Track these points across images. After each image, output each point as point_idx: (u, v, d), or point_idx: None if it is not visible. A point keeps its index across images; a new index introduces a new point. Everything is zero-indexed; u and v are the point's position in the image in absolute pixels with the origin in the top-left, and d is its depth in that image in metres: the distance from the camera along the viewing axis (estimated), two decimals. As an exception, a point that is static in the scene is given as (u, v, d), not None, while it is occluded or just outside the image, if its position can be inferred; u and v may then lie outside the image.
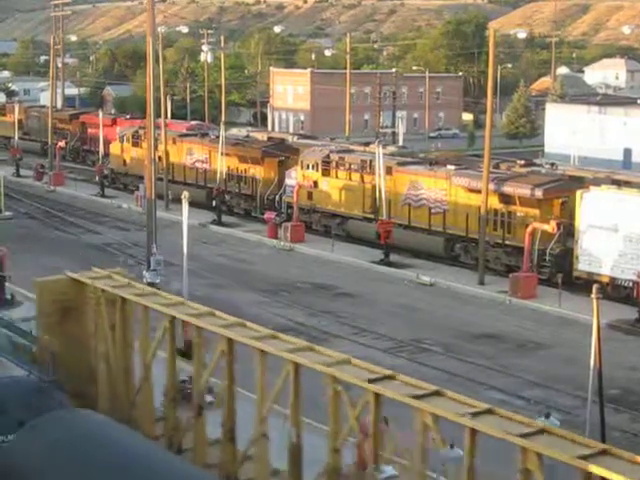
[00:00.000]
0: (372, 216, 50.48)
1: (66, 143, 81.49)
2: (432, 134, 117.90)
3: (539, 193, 43.20)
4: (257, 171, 58.59)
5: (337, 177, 53.53)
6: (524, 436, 15.58)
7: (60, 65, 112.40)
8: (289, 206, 54.61)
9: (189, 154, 64.31)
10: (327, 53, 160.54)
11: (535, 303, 40.33)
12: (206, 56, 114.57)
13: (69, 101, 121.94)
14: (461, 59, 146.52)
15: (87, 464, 15.54)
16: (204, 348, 26.56)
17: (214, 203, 57.56)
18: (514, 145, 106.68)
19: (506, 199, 44.77)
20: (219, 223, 57.13)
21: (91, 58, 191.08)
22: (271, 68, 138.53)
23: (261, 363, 20.65)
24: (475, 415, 16.67)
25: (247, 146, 61.51)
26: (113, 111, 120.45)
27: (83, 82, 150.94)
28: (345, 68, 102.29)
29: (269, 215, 53.92)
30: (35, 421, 16.90)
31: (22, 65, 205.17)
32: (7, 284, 37.24)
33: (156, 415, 24.13)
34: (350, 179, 52.80)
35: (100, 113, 77.38)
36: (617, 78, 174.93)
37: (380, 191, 48.70)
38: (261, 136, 71.52)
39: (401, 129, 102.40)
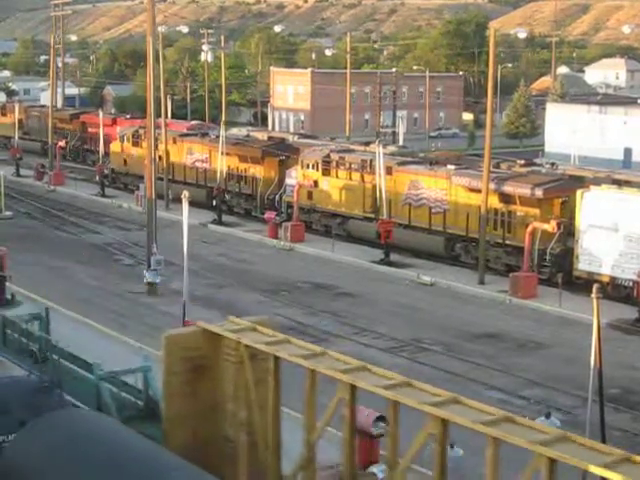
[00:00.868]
0: (372, 216, 50.48)
1: (66, 143, 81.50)
2: (432, 134, 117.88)
3: (539, 193, 43.20)
4: (257, 171, 58.59)
5: (337, 177, 53.54)
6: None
7: (60, 65, 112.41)
8: (289, 206, 54.61)
9: (189, 154, 64.31)
10: (327, 53, 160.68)
11: (535, 303, 40.33)
12: (206, 56, 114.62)
13: (69, 101, 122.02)
14: (461, 59, 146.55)
15: (88, 464, 15.54)
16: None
17: (214, 203, 57.56)
18: (514, 145, 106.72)
19: (506, 199, 44.77)
20: (219, 223, 57.13)
21: (91, 58, 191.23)
22: (271, 68, 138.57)
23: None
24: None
25: (247, 146, 61.52)
26: (113, 111, 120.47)
27: (83, 82, 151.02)
28: (345, 68, 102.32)
29: (269, 215, 53.92)
30: (35, 421, 16.91)
31: (22, 65, 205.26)
32: (7, 284, 37.20)
33: None
34: (350, 179, 52.81)
35: (100, 113, 77.41)
36: (617, 78, 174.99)
37: (380, 191, 48.69)
38: (261, 136, 71.53)
39: (401, 129, 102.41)
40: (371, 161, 51.08)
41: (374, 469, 21.61)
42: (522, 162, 53.68)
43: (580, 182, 45.45)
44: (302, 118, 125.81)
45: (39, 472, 15.92)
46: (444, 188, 47.61)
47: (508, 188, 44.57)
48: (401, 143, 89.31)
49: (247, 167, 59.32)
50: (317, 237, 53.14)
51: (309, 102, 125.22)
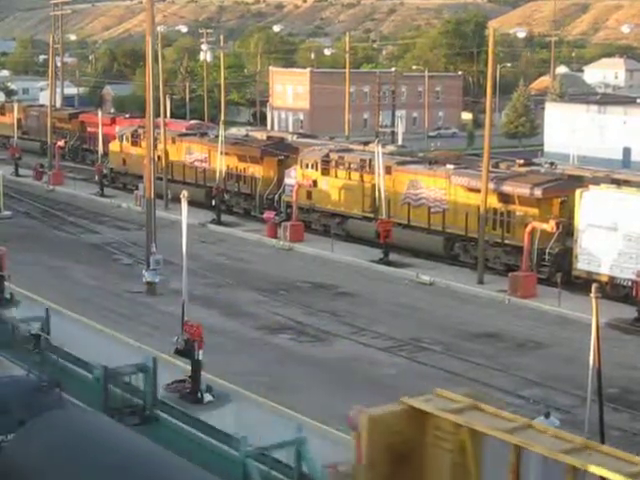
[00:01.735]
0: (371, 215, 50.48)
1: (65, 142, 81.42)
2: (431, 133, 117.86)
3: (538, 192, 43.20)
4: (256, 170, 58.59)
5: (336, 176, 53.52)
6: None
7: (59, 64, 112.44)
8: (288, 205, 54.60)
9: (188, 153, 64.31)
10: (326, 52, 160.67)
11: (534, 302, 40.33)
12: (205, 55, 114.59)
13: (68, 100, 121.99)
14: (460, 58, 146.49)
15: (87, 463, 15.53)
16: (200, 347, 26.68)
17: (213, 202, 57.53)
18: (513, 144, 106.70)
19: (505, 198, 44.77)
20: (218, 222, 57.11)
21: (90, 57, 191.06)
22: (270, 67, 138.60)
23: None
24: None
25: (246, 145, 61.51)
26: (112, 110, 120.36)
27: (82, 81, 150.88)
28: (344, 67, 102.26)
29: (268, 214, 53.90)
30: (34, 420, 16.90)
31: (21, 64, 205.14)
32: (6, 283, 37.15)
33: None
34: (349, 178, 52.80)
35: (99, 112, 77.35)
36: (616, 77, 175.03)
37: (379, 190, 48.69)
38: (260, 135, 71.51)
39: (400, 128, 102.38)
40: (370, 161, 51.08)
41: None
42: (521, 162, 53.68)
43: (579, 182, 45.47)
44: (301, 118, 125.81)
45: (38, 471, 15.91)
46: (443, 188, 47.61)
47: (507, 188, 44.57)
48: (400, 143, 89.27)
49: (246, 167, 59.32)
50: (316, 237, 53.13)
51: (308, 102, 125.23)
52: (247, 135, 72.14)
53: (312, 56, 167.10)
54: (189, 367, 27.11)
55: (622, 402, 28.64)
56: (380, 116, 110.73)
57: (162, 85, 64.58)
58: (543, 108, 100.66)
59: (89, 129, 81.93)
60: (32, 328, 28.02)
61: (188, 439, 20.27)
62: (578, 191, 41.76)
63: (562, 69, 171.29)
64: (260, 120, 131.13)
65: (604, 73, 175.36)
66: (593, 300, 20.80)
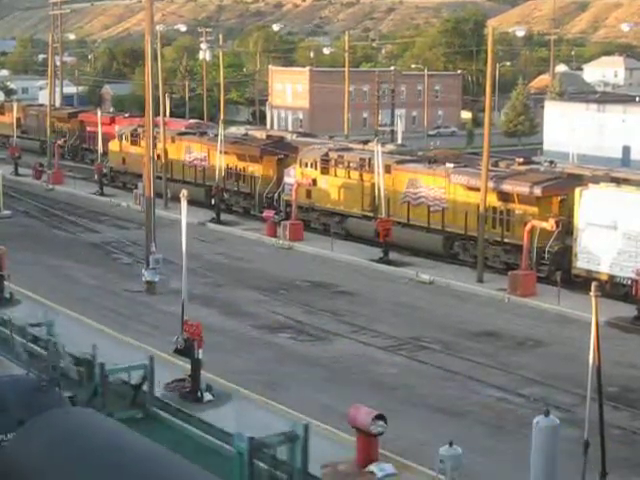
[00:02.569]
0: (371, 214, 50.48)
1: (65, 142, 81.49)
2: (431, 132, 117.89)
3: (538, 191, 43.20)
4: (256, 169, 58.59)
5: (336, 175, 53.51)
6: None
7: (59, 63, 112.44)
8: (288, 204, 54.59)
9: (188, 152, 64.30)
10: (326, 51, 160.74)
11: (534, 301, 40.31)
12: (205, 54, 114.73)
13: (67, 99, 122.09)
14: (460, 57, 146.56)
15: (86, 463, 15.52)
16: (199, 346, 26.70)
17: (213, 201, 57.52)
18: (513, 143, 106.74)
19: (505, 197, 44.77)
20: (218, 221, 57.11)
21: (90, 56, 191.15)
22: (270, 66, 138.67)
23: None
24: None
25: (246, 144, 61.50)
26: (112, 109, 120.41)
27: (82, 80, 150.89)
28: (344, 66, 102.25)
29: (268, 213, 53.89)
30: (34, 420, 16.88)
31: (21, 63, 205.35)
32: (6, 283, 37.19)
33: None
34: (349, 177, 52.80)
35: (99, 111, 77.34)
36: (616, 76, 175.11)
37: (379, 189, 48.68)
38: (260, 134, 71.47)
39: (400, 127, 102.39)
40: (370, 160, 51.06)
41: (373, 468, 21.61)
42: (521, 160, 53.65)
43: (579, 180, 45.42)
44: (300, 116, 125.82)
45: (37, 471, 15.89)
46: (443, 186, 47.61)
47: (507, 186, 44.56)
48: (400, 141, 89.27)
49: (246, 166, 59.32)
50: (316, 236, 53.13)
51: (307, 100, 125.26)
52: (246, 134, 72.08)
53: (311, 55, 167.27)
54: (189, 366, 27.12)
55: (622, 400, 28.63)
56: (379, 115, 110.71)
57: (161, 84, 64.60)
58: (542, 107, 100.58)
59: (88, 128, 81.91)
60: (130, 376, 24.69)
61: None
62: (578, 190, 41.75)
63: (561, 68, 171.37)
64: (259, 119, 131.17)
65: (603, 72, 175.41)
66: (593, 299, 20.73)
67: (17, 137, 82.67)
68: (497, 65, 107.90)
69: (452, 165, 48.57)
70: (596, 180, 44.44)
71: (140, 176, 57.54)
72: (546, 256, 42.34)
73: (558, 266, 41.37)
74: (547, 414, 21.79)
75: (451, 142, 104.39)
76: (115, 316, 37.25)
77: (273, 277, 44.88)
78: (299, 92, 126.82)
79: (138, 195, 60.28)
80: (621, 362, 31.84)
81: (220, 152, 58.25)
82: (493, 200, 44.73)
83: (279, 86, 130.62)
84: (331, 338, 35.31)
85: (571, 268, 41.41)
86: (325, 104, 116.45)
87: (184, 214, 28.86)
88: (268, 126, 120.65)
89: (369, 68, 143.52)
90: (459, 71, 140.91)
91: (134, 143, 68.29)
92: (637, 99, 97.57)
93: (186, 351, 26.76)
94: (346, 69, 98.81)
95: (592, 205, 40.78)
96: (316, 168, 54.04)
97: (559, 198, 43.72)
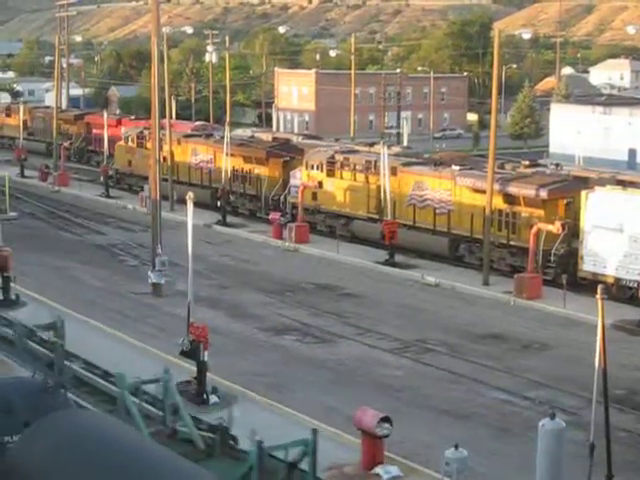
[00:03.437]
0: (377, 216, 50.47)
1: (71, 144, 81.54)
2: (437, 134, 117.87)
3: (544, 193, 43.15)
4: (262, 171, 58.61)
5: (342, 178, 53.52)
6: None
7: (65, 66, 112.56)
8: (294, 206, 54.61)
9: (194, 154, 64.35)
10: (332, 53, 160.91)
11: (540, 304, 40.27)
12: (211, 56, 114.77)
13: (74, 102, 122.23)
14: (466, 59, 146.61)
15: (92, 465, 15.53)
16: (205, 349, 26.71)
17: (219, 204, 57.55)
18: (519, 145, 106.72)
19: (511, 199, 44.73)
20: (224, 224, 57.13)
21: (96, 58, 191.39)
22: (276, 68, 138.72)
23: None
24: None
25: (252, 146, 61.50)
26: (118, 111, 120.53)
27: (88, 83, 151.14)
28: (350, 68, 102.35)
29: (274, 216, 53.91)
30: (40, 421, 16.89)
31: (27, 66, 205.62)
32: (12, 284, 37.23)
33: None
34: (355, 180, 52.79)
35: (105, 114, 77.40)
36: (622, 78, 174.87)
37: (385, 191, 48.69)
38: (266, 136, 71.51)
39: (406, 129, 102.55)
40: (375, 162, 51.07)
41: (379, 470, 21.61)
42: (526, 163, 53.62)
43: (585, 183, 45.36)
44: (306, 119, 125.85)
45: (43, 473, 15.90)
46: (448, 189, 47.60)
47: (513, 189, 44.53)
48: (405, 144, 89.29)
49: (252, 168, 59.34)
50: (321, 238, 53.13)
51: (313, 103, 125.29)
52: (252, 136, 72.11)
53: (317, 57, 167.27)
54: (194, 368, 27.13)
55: (628, 403, 28.60)
56: (385, 117, 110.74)
57: (168, 86, 64.61)
58: (548, 109, 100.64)
59: (95, 130, 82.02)
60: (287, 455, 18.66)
61: None
62: (583, 192, 41.70)
63: (567, 70, 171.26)
64: (265, 121, 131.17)
65: (609, 74, 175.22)
66: (599, 301, 20.71)
67: (23, 139, 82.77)
68: (503, 67, 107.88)
69: (458, 167, 48.55)
70: (602, 183, 44.38)
71: (146, 178, 57.57)
72: (552, 259, 42.29)
73: (564, 269, 41.31)
74: (553, 417, 21.77)
75: (457, 144, 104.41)
76: (121, 318, 37.28)
77: (279, 279, 44.89)
78: (305, 94, 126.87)
79: (144, 197, 60.32)
80: (627, 365, 31.82)
81: (226, 154, 58.29)
82: (499, 203, 44.69)
83: (285, 88, 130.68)
84: (337, 340, 35.30)
85: (577, 271, 41.34)
86: (331, 106, 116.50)
87: (190, 216, 28.87)
88: (274, 128, 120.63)
89: (375, 70, 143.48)
90: (465, 73, 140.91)
91: (140, 145, 68.33)
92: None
93: (192, 353, 26.78)
94: (352, 71, 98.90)
95: (598, 208, 40.73)
96: (322, 170, 54.05)
97: (565, 201, 43.68)
